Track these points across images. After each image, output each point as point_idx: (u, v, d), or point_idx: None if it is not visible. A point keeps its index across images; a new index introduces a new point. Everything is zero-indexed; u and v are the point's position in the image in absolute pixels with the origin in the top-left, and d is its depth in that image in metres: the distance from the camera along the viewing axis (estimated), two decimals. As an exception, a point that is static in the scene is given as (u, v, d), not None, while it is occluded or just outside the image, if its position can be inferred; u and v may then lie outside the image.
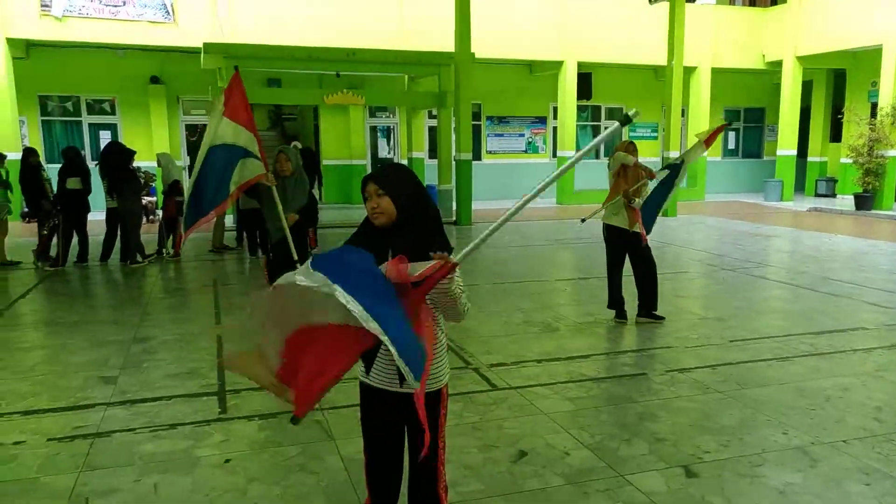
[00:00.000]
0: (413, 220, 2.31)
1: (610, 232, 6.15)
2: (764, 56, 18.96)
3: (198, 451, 3.60)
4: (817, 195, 19.42)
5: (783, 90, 18.30)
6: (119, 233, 9.21)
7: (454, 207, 13.82)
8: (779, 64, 18.50)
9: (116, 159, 8.94)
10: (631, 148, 6.06)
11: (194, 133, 16.34)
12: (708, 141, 6.05)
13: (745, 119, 21.65)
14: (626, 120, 2.12)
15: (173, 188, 9.72)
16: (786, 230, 13.03)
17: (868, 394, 4.46)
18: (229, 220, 11.13)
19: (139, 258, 9.11)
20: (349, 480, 3.28)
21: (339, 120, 17.17)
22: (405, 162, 18.04)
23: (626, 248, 6.12)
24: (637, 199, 5.92)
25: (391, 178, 2.33)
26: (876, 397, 4.40)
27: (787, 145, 18.41)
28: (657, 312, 6.20)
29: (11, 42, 13.70)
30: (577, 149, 18.55)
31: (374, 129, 18.47)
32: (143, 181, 10.19)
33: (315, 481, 3.28)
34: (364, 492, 3.09)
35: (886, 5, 15.64)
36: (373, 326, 1.83)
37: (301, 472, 3.36)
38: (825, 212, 16.33)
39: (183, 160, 15.53)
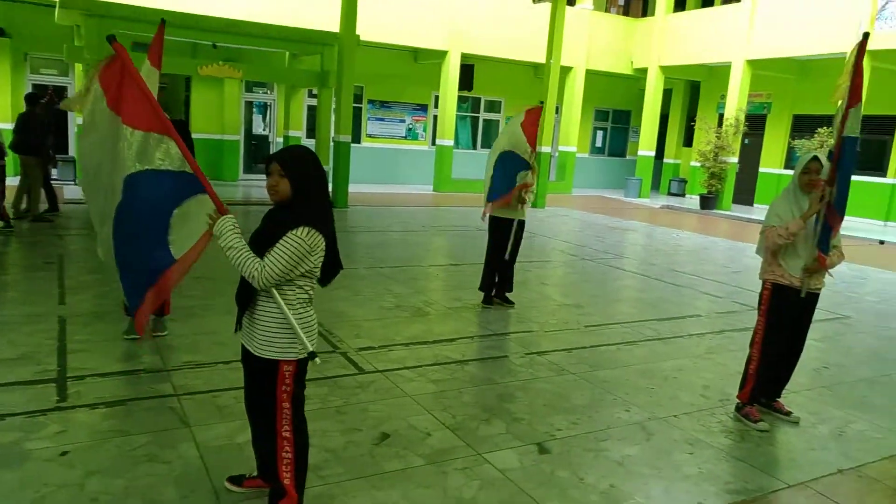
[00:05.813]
0: (299, 203, 2.49)
1: (499, 222, 6.30)
2: (632, 62, 20.16)
3: (29, 443, 3.30)
4: (670, 194, 21.01)
5: (646, 96, 19.60)
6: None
7: (330, 189, 13.56)
8: (644, 71, 19.78)
9: None
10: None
11: (44, 94, 14.88)
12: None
13: (613, 120, 22.95)
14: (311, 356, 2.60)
15: None
16: (641, 225, 13.98)
17: (698, 373, 4.94)
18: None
19: None
20: (204, 467, 3.16)
21: (212, 92, 16.34)
22: (280, 140, 17.52)
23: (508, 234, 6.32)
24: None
25: (296, 162, 2.49)
26: (704, 377, 4.89)
27: (647, 147, 19.76)
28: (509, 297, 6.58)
29: None
30: (456, 137, 18.78)
31: (249, 105, 17.76)
32: None
33: (166, 471, 3.12)
34: (219, 479, 3.02)
35: (734, 30, 17.25)
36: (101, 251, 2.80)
37: (149, 463, 3.18)
38: (676, 209, 17.72)
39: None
